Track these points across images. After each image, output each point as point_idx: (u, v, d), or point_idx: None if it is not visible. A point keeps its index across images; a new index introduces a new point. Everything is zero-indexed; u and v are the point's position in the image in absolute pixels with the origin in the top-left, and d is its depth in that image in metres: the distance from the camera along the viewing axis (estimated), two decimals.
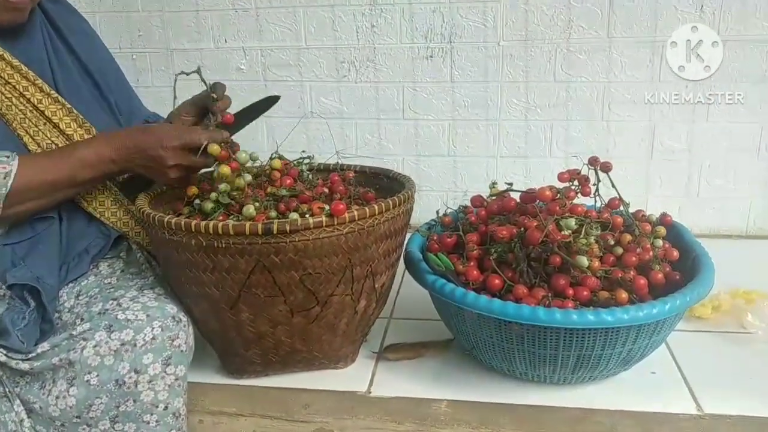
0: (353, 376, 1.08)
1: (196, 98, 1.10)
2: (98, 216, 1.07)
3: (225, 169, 0.98)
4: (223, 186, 0.99)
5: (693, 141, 1.61)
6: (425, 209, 1.27)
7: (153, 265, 1.10)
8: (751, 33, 1.51)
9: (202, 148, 0.97)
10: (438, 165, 1.73)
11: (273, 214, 0.95)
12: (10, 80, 0.98)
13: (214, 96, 1.04)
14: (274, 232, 0.86)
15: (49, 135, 1.01)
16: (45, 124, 1.01)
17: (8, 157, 0.90)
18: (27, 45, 1.02)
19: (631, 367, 1.01)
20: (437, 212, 1.19)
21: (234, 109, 1.08)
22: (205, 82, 1.04)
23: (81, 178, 0.97)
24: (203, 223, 0.88)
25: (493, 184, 1.14)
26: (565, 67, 1.59)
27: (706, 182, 1.64)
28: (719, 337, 1.16)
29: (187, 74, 1.03)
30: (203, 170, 1.07)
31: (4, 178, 0.88)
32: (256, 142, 1.74)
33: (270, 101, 1.07)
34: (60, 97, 1.02)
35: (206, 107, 1.07)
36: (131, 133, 0.99)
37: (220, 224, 0.87)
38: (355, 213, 0.90)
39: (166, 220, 0.90)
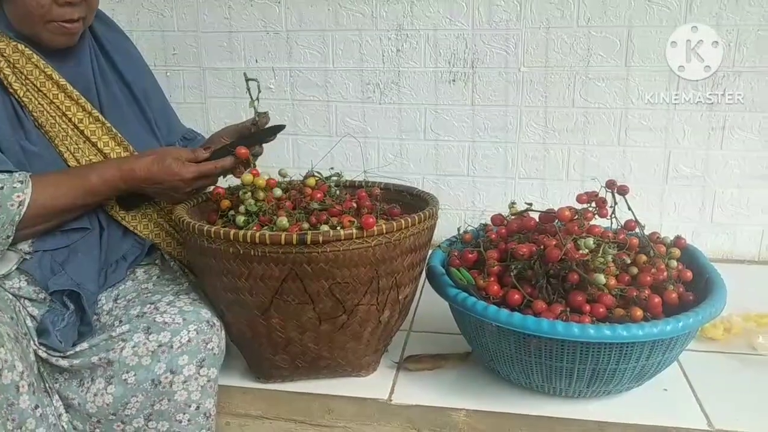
0: (375, 384, 1.12)
1: (240, 126, 1.16)
2: (131, 229, 1.13)
3: (248, 177, 1.06)
4: (249, 200, 1.05)
5: (707, 168, 1.65)
6: (444, 227, 1.31)
7: (186, 272, 1.16)
8: (766, 65, 1.56)
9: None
10: (457, 184, 1.78)
11: (306, 225, 1.01)
12: (54, 100, 1.04)
13: (256, 121, 1.12)
14: (308, 242, 0.91)
15: (87, 153, 1.07)
16: (84, 142, 1.07)
17: (22, 183, 0.95)
18: (76, 65, 1.08)
19: (644, 383, 1.05)
20: (458, 229, 1.24)
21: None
22: (251, 95, 1.11)
23: (90, 202, 1.04)
24: (241, 232, 0.93)
25: (512, 204, 1.19)
26: (584, 93, 1.64)
27: (719, 208, 1.67)
28: (730, 357, 1.19)
29: (247, 80, 1.11)
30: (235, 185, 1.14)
31: (18, 206, 0.94)
32: (282, 158, 1.80)
33: (276, 130, 1.13)
34: (101, 116, 1.08)
35: (246, 134, 1.13)
36: (146, 165, 1.04)
37: (258, 233, 0.92)
38: (383, 226, 0.95)
39: (205, 228, 0.96)
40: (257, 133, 1.12)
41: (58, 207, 0.99)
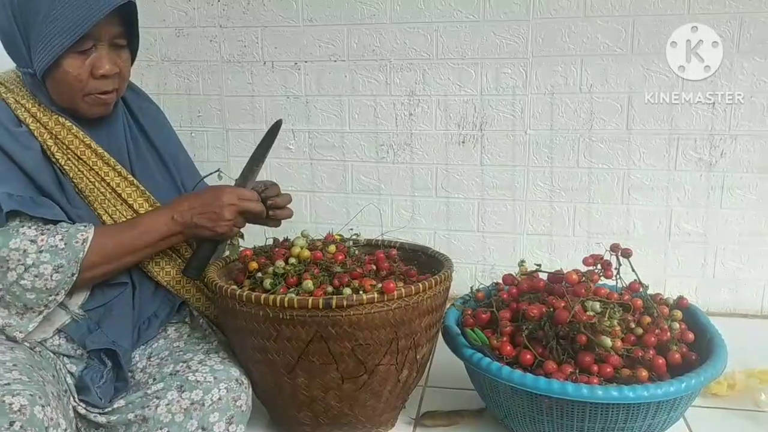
0: None
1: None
2: (165, 284, 1.20)
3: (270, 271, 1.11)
4: (279, 263, 1.12)
5: (708, 225, 1.72)
6: (456, 280, 1.36)
7: (215, 330, 1.22)
8: (759, 128, 1.64)
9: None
10: (468, 240, 1.85)
11: (330, 289, 1.07)
12: (93, 167, 1.13)
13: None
14: (333, 306, 0.98)
15: (124, 214, 1.14)
16: (121, 204, 1.15)
17: (86, 227, 1.04)
18: (110, 133, 1.17)
19: None
20: (471, 288, 1.30)
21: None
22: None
23: (147, 240, 1.10)
24: (271, 296, 1.00)
25: (522, 263, 1.25)
26: (588, 154, 1.73)
27: (721, 264, 1.73)
28: (734, 414, 1.23)
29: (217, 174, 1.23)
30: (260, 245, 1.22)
31: (83, 243, 1.02)
32: (300, 214, 1.88)
33: (275, 127, 1.23)
34: (135, 180, 1.16)
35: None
36: (192, 194, 1.16)
37: (286, 298, 0.99)
38: (403, 290, 1.02)
39: (237, 293, 1.03)
40: (263, 144, 1.22)
41: (119, 245, 1.07)
